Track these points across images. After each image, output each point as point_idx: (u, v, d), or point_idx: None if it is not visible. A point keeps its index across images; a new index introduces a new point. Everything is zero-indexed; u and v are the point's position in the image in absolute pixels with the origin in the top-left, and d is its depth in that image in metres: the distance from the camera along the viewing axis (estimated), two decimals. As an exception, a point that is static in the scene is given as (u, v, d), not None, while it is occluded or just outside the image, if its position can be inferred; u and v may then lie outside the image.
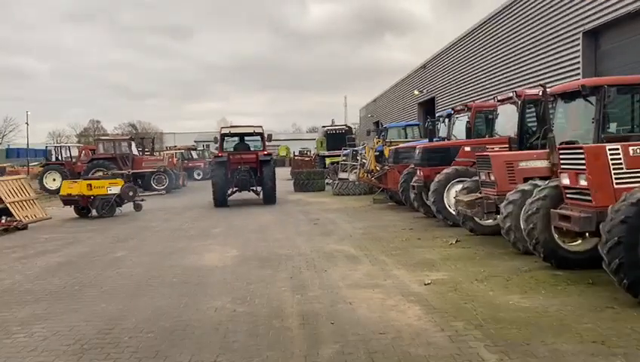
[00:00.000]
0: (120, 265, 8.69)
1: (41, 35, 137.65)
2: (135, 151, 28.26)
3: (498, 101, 11.69)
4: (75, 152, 31.23)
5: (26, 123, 53.05)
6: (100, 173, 26.52)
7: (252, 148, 19.65)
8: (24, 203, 15.61)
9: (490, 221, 9.75)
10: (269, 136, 20.39)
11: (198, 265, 8.51)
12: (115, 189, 16.53)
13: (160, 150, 40.59)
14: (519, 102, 10.57)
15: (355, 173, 21.88)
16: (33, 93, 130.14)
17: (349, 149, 24.74)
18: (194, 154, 41.19)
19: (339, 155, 28.54)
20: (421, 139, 20.98)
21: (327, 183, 24.79)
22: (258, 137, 19.65)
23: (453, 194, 11.46)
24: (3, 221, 13.69)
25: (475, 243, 9.37)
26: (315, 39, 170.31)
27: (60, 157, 30.13)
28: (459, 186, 11.46)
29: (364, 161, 21.23)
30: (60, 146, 31.03)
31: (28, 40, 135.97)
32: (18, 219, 14.74)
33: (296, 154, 45.16)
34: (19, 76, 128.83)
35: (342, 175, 21.97)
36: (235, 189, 18.80)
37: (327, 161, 32.07)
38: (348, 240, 10.31)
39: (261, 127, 19.58)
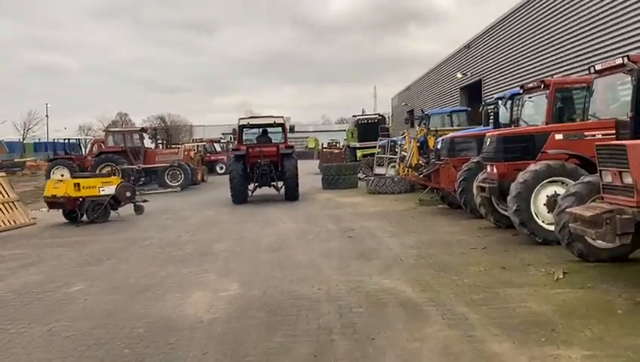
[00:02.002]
0: (61, 313, 5.82)
1: (72, 33, 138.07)
2: (148, 144, 25.67)
3: (596, 72, 8.39)
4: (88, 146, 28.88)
5: (46, 115, 51.28)
6: (108, 169, 24.24)
7: (273, 141, 17.46)
8: (2, 206, 13.01)
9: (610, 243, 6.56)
10: (292, 127, 18.53)
11: (174, 316, 5.56)
12: (109, 189, 13.79)
13: (177, 143, 37.95)
14: (636, 71, 7.28)
15: (394, 167, 18.76)
16: (65, 89, 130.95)
17: (385, 140, 21.54)
18: (217, 147, 38.52)
19: (372, 147, 25.41)
20: (472, 127, 17.66)
21: (359, 179, 21.69)
22: (279, 128, 17.64)
23: (542, 200, 8.27)
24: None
25: (595, 278, 6.18)
26: (338, 31, 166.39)
27: (68, 152, 27.82)
28: (550, 189, 8.27)
29: (403, 153, 18.06)
30: (68, 139, 28.69)
31: (60, 38, 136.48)
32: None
33: (324, 146, 42.03)
34: (52, 73, 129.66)
35: (378, 170, 18.87)
36: (255, 185, 17.12)
37: (359, 153, 28.95)
38: (398, 267, 7.22)
39: (282, 117, 17.44)
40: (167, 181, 23.69)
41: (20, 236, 11.74)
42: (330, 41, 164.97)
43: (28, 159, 49.02)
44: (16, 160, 51.96)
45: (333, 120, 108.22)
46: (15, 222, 13.12)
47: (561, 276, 6.34)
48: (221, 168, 35.08)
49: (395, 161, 18.69)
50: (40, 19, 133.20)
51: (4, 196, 13.30)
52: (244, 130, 17.69)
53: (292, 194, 16.46)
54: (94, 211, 13.37)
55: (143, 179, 24.55)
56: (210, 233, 11.08)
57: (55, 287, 7.00)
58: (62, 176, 25.70)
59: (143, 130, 26.23)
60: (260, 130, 17.90)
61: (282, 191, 17.12)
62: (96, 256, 8.99)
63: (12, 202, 13.45)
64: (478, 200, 9.89)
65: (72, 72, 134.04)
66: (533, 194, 8.17)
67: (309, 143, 69.51)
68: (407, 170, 15.72)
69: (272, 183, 16.97)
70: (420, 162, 15.95)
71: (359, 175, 23.87)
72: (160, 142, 28.56)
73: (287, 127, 17.96)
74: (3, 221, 12.82)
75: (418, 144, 17.76)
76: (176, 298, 6.23)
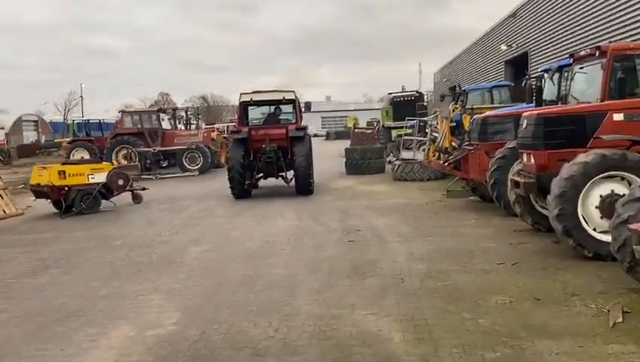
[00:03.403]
0: None
1: (120, 15, 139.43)
2: (167, 126, 24.39)
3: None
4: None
5: (81, 96, 51.22)
6: (124, 152, 23.16)
7: (284, 122, 14.37)
8: (-17, 196, 11.92)
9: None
10: (307, 104, 15.79)
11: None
12: (100, 177, 12.45)
13: (212, 123, 36.74)
14: None
15: (424, 151, 16.73)
16: (114, 70, 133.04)
17: (415, 120, 19.45)
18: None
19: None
20: (515, 105, 15.42)
21: (388, 162, 19.75)
22: (290, 106, 14.34)
23: (594, 202, 6.30)
24: None
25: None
26: (381, 8, 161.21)
27: (89, 133, 26.95)
28: (606, 188, 6.29)
29: (434, 134, 15.99)
30: (88, 120, 27.81)
31: (108, 20, 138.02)
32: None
33: (357, 126, 39.89)
34: (101, 54, 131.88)
35: (405, 154, 16.85)
36: (259, 176, 14.18)
37: (394, 133, 26.88)
38: (395, 294, 5.44)
39: (293, 92, 14.07)
40: (186, 164, 22.42)
41: (-8, 231, 10.54)
42: (373, 18, 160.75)
43: (64, 140, 49.04)
44: (56, 140, 52.29)
45: (375, 98, 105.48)
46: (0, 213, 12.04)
47: (620, 319, 4.44)
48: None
49: (425, 144, 16.65)
50: (89, 1, 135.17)
51: (-13, 185, 12.24)
52: (249, 108, 14.56)
53: (304, 187, 13.27)
54: (82, 201, 12.08)
55: (164, 162, 23.40)
56: (195, 231, 9.54)
57: (-38, 310, 5.61)
58: (81, 157, 24.88)
59: (161, 110, 24.99)
60: (272, 108, 14.59)
61: (293, 183, 14.02)
62: (47, 262, 7.58)
63: (-3, 191, 12.38)
64: (511, 196, 7.93)
65: (120, 53, 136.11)
66: (581, 194, 6.21)
67: (348, 122, 67.42)
68: (437, 155, 13.73)
69: (281, 174, 13.94)
70: (454, 145, 13.91)
71: (389, 158, 21.93)
72: (190, 122, 27.32)
73: (300, 103, 14.61)
74: (-21, 213, 11.77)
75: (453, 124, 15.71)
76: (88, 337, 4.69)
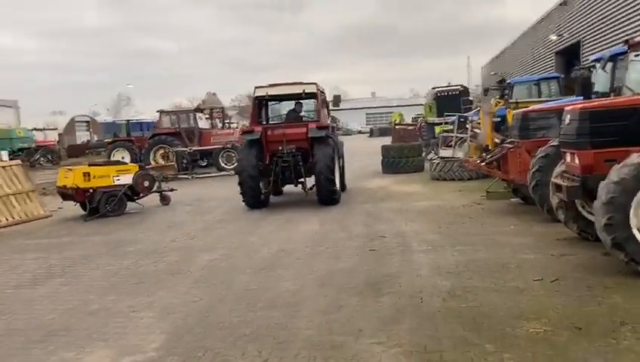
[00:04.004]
0: None
1: (169, 17, 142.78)
2: (205, 125, 24.25)
3: None
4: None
5: (127, 97, 52.20)
6: (162, 151, 23.15)
7: (307, 119, 12.76)
8: (13, 198, 11.84)
9: None
10: (337, 98, 14.60)
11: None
12: (125, 179, 12.22)
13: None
14: None
15: (464, 149, 15.77)
16: (163, 71, 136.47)
17: (454, 115, 18.43)
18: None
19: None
20: (565, 98, 14.26)
21: (429, 160, 18.82)
22: (311, 101, 12.78)
23: (651, 210, 5.37)
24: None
25: None
26: (426, 1, 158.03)
27: (130, 133, 27.18)
28: (665, 193, 5.35)
29: (476, 131, 15.01)
30: (128, 120, 28.04)
31: (158, 23, 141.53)
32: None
33: (401, 122, 38.84)
34: (152, 56, 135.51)
35: (444, 152, 15.92)
36: (274, 181, 11.91)
37: (437, 129, 25.83)
38: (409, 318, 4.72)
39: (315, 84, 12.14)
40: (222, 163, 22.17)
41: (12, 234, 10.40)
42: (420, 12, 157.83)
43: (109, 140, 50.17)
44: (105, 140, 53.60)
45: (422, 94, 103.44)
46: (27, 215, 11.94)
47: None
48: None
49: (465, 141, 15.68)
50: (139, 4, 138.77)
51: (17, 187, 12.17)
52: (265, 104, 12.94)
53: (327, 197, 11.22)
54: (107, 203, 11.85)
55: (203, 161, 23.24)
56: (212, 236, 9.06)
57: (-51, 325, 5.27)
58: (122, 158, 25.05)
59: (198, 109, 24.85)
60: (293, 103, 12.88)
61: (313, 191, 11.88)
62: (53, 270, 7.25)
63: (26, 193, 12.29)
64: (554, 201, 7.03)
65: (170, 54, 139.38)
66: (634, 201, 5.30)
67: (394, 118, 66.39)
68: (477, 153, 12.80)
69: (300, 180, 12.02)
70: (497, 142, 12.93)
71: (430, 155, 21.01)
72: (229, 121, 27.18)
73: (324, 98, 12.89)
74: (12, 214, 11.68)
75: (498, 119, 14.72)
76: (59, 364, 4.22)
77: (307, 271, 6.45)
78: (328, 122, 12.59)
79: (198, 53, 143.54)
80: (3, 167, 12.25)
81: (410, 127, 29.84)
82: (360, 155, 25.78)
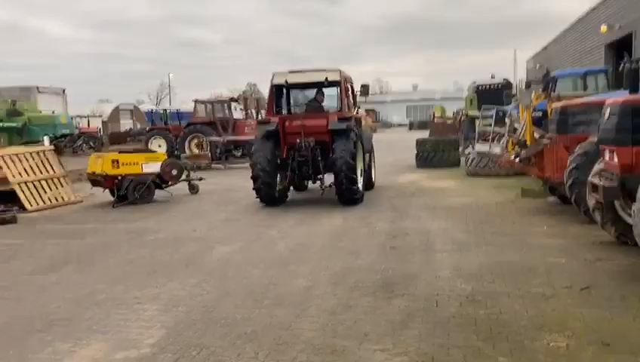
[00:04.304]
0: None
1: (213, 9, 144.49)
2: (239, 115, 24.24)
3: None
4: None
5: (169, 85, 53.00)
6: (196, 141, 23.26)
7: (330, 109, 11.42)
8: (44, 183, 12.04)
9: None
10: (365, 87, 12.46)
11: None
12: (154, 167, 12.22)
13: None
14: None
15: (502, 144, 15.14)
16: (206, 61, 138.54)
17: (493, 108, 17.74)
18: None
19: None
20: (614, 92, 13.46)
21: (467, 154, 18.20)
22: (334, 90, 11.45)
23: (696, 215, 4.87)
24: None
25: None
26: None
27: (167, 122, 27.43)
28: None
29: (515, 126, 14.36)
30: (165, 110, 28.32)
31: (202, 14, 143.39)
32: (15, 207, 11.17)
33: (443, 115, 37.97)
34: (195, 46, 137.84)
35: (480, 146, 15.29)
36: (289, 176, 10.86)
37: (478, 123, 25.10)
38: (420, 324, 4.38)
39: (339, 71, 11.03)
40: (256, 154, 22.07)
41: (40, 218, 10.53)
42: (465, 4, 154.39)
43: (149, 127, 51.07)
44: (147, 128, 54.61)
45: (466, 87, 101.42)
46: (57, 200, 12.13)
47: None
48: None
49: (504, 136, 15.05)
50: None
51: (49, 172, 12.36)
52: (284, 92, 11.84)
53: (346, 197, 10.27)
54: (135, 191, 11.89)
55: (238, 151, 23.22)
56: (232, 227, 8.93)
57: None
58: (159, 146, 25.35)
59: (232, 99, 24.84)
60: (314, 91, 11.66)
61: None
62: (70, 257, 7.22)
63: (58, 178, 12.48)
64: (590, 202, 6.54)
65: (212, 45, 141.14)
66: (679, 205, 4.82)
67: (436, 111, 65.30)
68: (515, 149, 12.21)
69: (318, 177, 10.87)
70: (536, 137, 12.31)
71: (468, 150, 20.37)
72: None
73: (351, 86, 11.80)
74: (43, 199, 11.87)
75: (539, 114, 14.04)
76: (53, 355, 4.10)
77: (322, 268, 6.19)
78: (353, 113, 11.56)
79: (240, 45, 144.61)
80: (36, 152, 12.49)
81: (449, 121, 29.13)
82: (396, 148, 25.35)
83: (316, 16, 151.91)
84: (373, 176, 12.69)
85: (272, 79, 11.16)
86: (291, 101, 12.29)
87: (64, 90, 45.72)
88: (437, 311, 4.65)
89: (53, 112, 30.53)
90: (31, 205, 11.48)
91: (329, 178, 10.67)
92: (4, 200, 11.54)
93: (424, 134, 28.54)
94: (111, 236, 8.57)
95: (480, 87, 27.48)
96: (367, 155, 11.88)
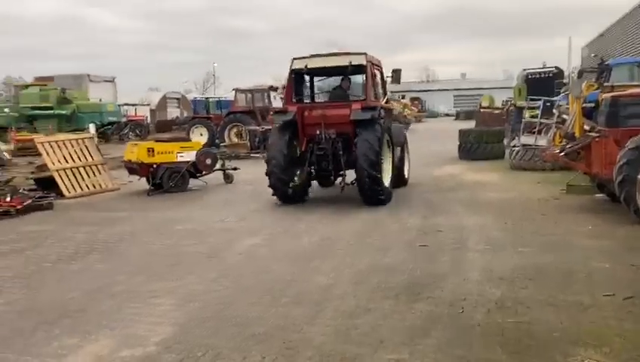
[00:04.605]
0: None
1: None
2: (279, 104, 24.09)
3: None
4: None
5: (213, 75, 53.52)
6: (236, 130, 23.29)
7: (354, 98, 10.13)
8: (82, 170, 12.24)
9: None
10: (396, 73, 10.90)
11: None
12: (189, 156, 12.23)
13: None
14: None
15: (549, 136, 14.42)
16: (252, 51, 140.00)
17: (540, 99, 16.93)
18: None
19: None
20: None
21: (513, 147, 17.47)
22: (360, 76, 10.39)
23: None
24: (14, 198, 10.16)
25: None
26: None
27: (209, 110, 27.63)
28: None
29: (563, 116, 13.63)
30: (207, 98, 28.50)
31: (251, 3, 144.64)
32: (53, 194, 11.40)
33: (484, 105, 36.73)
34: (242, 36, 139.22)
35: (526, 138, 14.67)
36: (309, 172, 9.93)
37: (527, 114, 24.15)
38: (441, 332, 4.05)
39: (364, 54, 9.83)
40: (295, 143, 21.93)
41: (75, 205, 10.67)
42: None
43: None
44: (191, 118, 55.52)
45: (516, 75, 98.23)
46: (95, 187, 12.31)
47: None
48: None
49: (551, 128, 14.32)
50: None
51: (87, 159, 12.55)
52: (305, 78, 10.70)
53: (369, 197, 9.25)
54: (170, 179, 11.91)
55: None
56: (261, 218, 8.80)
57: (-20, 296, 5.29)
58: (201, 135, 25.54)
59: (272, 88, 24.71)
60: (340, 79, 10.59)
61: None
62: (95, 246, 7.22)
63: (96, 165, 12.65)
64: (640, 201, 6.02)
65: (261, 34, 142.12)
66: None
67: (483, 101, 63.55)
68: (562, 141, 11.55)
69: (340, 173, 9.81)
70: (586, 130, 11.61)
71: (513, 142, 19.58)
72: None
73: (379, 72, 10.60)
74: (81, 186, 12.06)
75: (590, 105, 13.27)
76: (59, 350, 4.01)
77: (346, 265, 5.93)
78: (381, 102, 10.22)
79: (285, 34, 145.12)
80: (75, 140, 12.70)
81: (496, 111, 28.16)
82: (439, 139, 24.72)
83: (363, 5, 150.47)
84: (406, 172, 11.69)
85: (291, 64, 10.00)
86: (315, 89, 11.32)
87: (114, 79, 46.86)
88: (461, 318, 4.32)
89: (100, 100, 31.20)
90: (69, 192, 11.68)
91: (353, 174, 9.57)
92: (45, 187, 11.83)
93: (470, 125, 27.71)
94: (140, 224, 8.57)
95: (530, 76, 26.47)
96: (399, 149, 11.04)
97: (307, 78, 10.83)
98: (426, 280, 5.30)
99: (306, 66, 9.96)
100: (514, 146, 15.79)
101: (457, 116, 58.50)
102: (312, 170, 9.95)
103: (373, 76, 10.12)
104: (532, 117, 23.43)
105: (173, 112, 64.57)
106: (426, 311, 4.50)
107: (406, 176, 11.66)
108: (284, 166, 9.46)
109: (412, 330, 4.12)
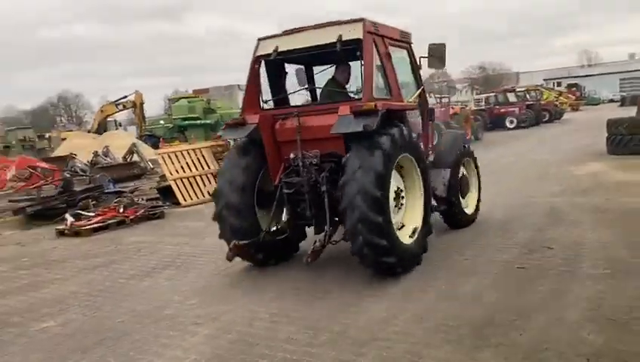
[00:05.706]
0: None
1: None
2: (432, 101, 23.08)
3: None
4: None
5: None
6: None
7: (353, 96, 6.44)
8: (198, 179, 12.67)
9: None
10: (437, 48, 6.53)
11: None
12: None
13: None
14: None
15: None
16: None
17: None
18: (510, 97, 33.13)
19: None
20: None
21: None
22: (355, 60, 6.16)
23: None
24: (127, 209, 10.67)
25: None
26: None
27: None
28: None
29: None
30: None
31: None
32: (167, 203, 11.87)
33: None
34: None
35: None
36: (283, 217, 6.28)
37: None
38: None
39: (362, 22, 5.58)
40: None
41: (184, 214, 10.92)
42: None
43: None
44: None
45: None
46: (210, 195, 12.59)
47: None
48: (511, 122, 30.57)
49: None
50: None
51: (203, 168, 12.93)
52: (278, 68, 6.61)
53: (364, 256, 5.29)
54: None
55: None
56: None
57: None
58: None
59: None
60: (335, 67, 6.65)
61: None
62: (177, 261, 7.13)
63: (212, 174, 12.97)
64: None
65: (409, 27, 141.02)
66: None
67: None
68: None
69: (335, 219, 5.66)
70: None
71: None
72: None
73: (386, 51, 5.97)
74: (197, 194, 12.43)
75: None
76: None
77: (420, 288, 5.05)
78: (400, 101, 6.08)
79: (440, 26, 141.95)
80: (192, 150, 13.15)
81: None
82: (593, 130, 21.72)
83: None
84: (474, 203, 7.65)
85: (255, 50, 6.23)
86: (292, 85, 6.95)
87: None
88: (533, 379, 3.28)
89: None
90: (185, 200, 12.08)
91: None
92: (165, 195, 12.40)
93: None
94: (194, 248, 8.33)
95: None
96: (451, 170, 7.04)
97: (280, 67, 6.68)
98: (505, 317, 4.24)
99: (275, 50, 6.05)
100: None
101: (623, 102, 51.78)
102: (285, 216, 6.24)
103: (384, 57, 5.94)
104: None
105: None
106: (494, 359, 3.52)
107: (469, 212, 7.47)
108: (238, 206, 5.97)
109: (459, 393, 3.20)
